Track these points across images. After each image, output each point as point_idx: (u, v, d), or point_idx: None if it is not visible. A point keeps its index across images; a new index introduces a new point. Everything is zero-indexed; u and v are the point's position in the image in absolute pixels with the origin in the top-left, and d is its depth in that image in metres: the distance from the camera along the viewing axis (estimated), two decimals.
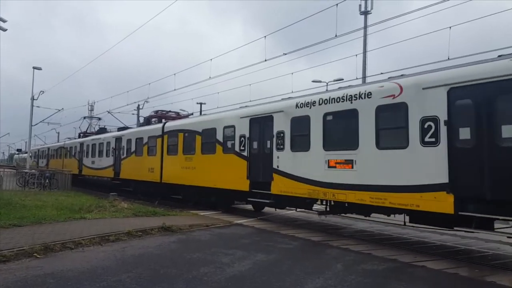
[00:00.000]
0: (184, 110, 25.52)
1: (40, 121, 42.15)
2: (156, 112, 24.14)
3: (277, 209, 14.73)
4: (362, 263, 7.55)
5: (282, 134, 12.05)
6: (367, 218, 11.34)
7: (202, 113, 25.91)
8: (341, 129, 10.52)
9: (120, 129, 26.18)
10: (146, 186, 20.65)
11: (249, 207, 16.75)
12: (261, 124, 13.10)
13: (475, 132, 7.58)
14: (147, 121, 23.65)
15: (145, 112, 35.95)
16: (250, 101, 18.04)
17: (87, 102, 58.23)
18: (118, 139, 23.88)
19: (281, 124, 12.12)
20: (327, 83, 27.65)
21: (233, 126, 14.23)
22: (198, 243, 9.18)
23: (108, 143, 25.35)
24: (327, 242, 9.66)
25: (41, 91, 35.70)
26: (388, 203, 8.99)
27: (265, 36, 17.68)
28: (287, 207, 13.91)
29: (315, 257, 8.09)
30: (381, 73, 12.76)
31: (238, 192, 13.91)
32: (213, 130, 15.15)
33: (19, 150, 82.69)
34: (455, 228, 7.94)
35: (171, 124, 18.95)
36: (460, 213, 7.63)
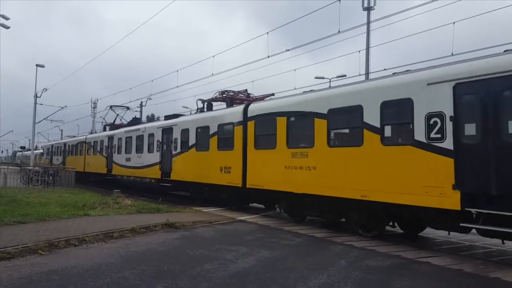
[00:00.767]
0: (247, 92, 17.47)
1: (44, 119, 42.29)
2: (223, 93, 17.08)
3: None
4: (366, 259, 7.53)
5: None
6: None
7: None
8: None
9: (167, 117, 20.15)
10: (214, 191, 15.55)
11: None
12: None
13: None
14: (208, 105, 17.54)
15: (148, 110, 33.30)
16: None
17: (90, 99, 58.31)
18: (167, 130, 18.68)
19: None
20: (330, 80, 27.60)
21: (409, 100, 8.66)
22: (202, 239, 9.19)
23: (151, 136, 20.20)
24: (330, 239, 9.65)
25: (44, 89, 35.81)
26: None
27: (267, 33, 17.63)
28: None
29: (318, 253, 8.09)
30: (384, 69, 12.69)
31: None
32: (357, 110, 9.69)
33: (22, 148, 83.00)
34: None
35: (259, 106, 13.53)
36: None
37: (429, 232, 10.76)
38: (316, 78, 28.65)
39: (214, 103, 17.41)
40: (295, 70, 20.79)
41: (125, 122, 28.44)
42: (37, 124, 37.27)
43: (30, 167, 28.82)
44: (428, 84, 8.33)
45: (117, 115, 30.26)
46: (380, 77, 10.32)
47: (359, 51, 19.82)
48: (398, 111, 9.09)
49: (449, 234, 9.26)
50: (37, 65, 34.64)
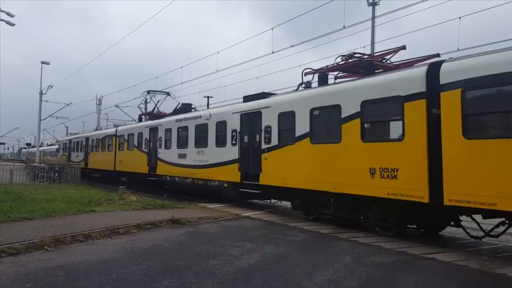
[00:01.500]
0: None
1: (49, 115, 42.63)
2: (350, 56, 11.75)
3: (282, 202, 14.17)
4: (371, 255, 7.51)
5: None
6: None
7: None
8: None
9: (248, 98, 14.80)
10: (347, 204, 10.47)
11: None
12: None
13: None
14: (322, 77, 12.53)
15: (151, 107, 26.00)
16: None
17: (95, 96, 58.51)
18: (253, 115, 13.79)
19: None
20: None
21: None
22: (207, 235, 9.21)
23: (221, 124, 15.39)
24: (336, 235, 9.63)
25: (49, 86, 36.01)
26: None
27: (272, 28, 17.55)
28: None
29: (324, 249, 8.08)
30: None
31: None
32: None
33: (28, 144, 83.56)
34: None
35: (473, 62, 7.78)
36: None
37: (450, 231, 10.18)
38: None
39: (331, 73, 12.51)
40: (299, 66, 20.70)
41: (163, 112, 23.92)
42: (42, 121, 37.53)
43: (36, 164, 29.03)
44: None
45: (158, 102, 24.84)
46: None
47: (364, 47, 19.84)
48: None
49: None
50: (42, 62, 34.85)
